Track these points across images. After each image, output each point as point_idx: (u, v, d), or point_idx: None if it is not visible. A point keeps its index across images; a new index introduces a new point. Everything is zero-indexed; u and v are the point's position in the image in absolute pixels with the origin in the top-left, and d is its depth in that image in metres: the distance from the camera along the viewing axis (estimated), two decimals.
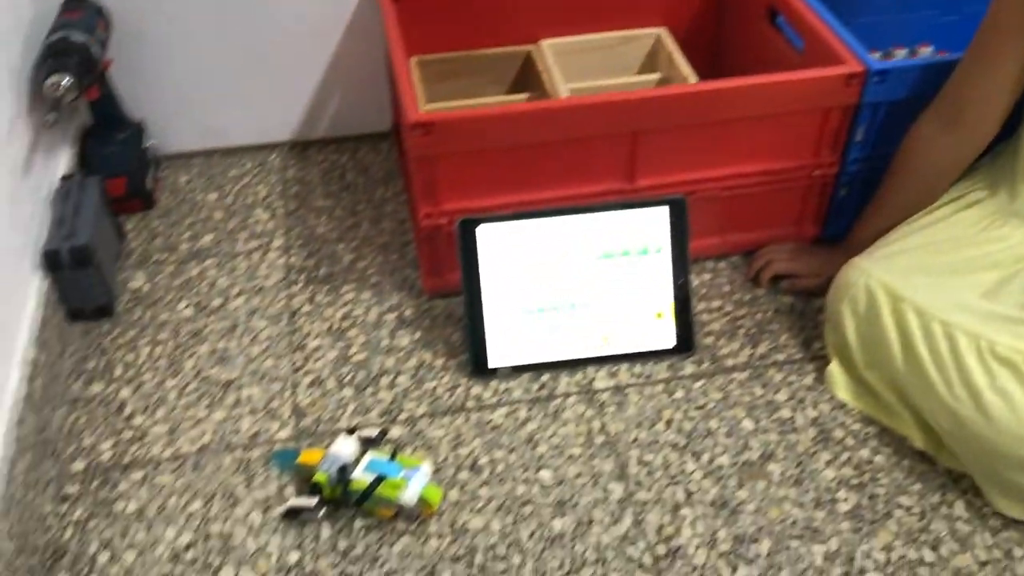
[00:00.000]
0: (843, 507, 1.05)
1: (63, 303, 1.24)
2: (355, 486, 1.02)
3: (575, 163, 1.20)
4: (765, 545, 1.02)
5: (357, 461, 1.04)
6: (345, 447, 1.05)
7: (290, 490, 1.07)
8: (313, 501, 1.02)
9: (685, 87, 1.34)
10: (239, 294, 1.32)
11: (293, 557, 1.00)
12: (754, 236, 1.35)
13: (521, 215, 1.17)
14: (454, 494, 1.06)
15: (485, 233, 1.16)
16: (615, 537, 1.02)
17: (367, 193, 1.49)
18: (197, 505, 1.05)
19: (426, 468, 1.04)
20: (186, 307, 1.30)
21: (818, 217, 1.35)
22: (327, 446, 1.06)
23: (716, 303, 1.30)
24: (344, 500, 1.03)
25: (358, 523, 1.03)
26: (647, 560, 1.00)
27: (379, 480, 1.01)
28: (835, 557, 1.00)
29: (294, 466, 1.07)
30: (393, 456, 1.05)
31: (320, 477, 1.02)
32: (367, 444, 1.08)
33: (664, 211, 1.19)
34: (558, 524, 1.03)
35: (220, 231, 1.42)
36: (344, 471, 1.03)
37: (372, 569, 0.99)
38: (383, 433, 1.10)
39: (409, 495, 1.00)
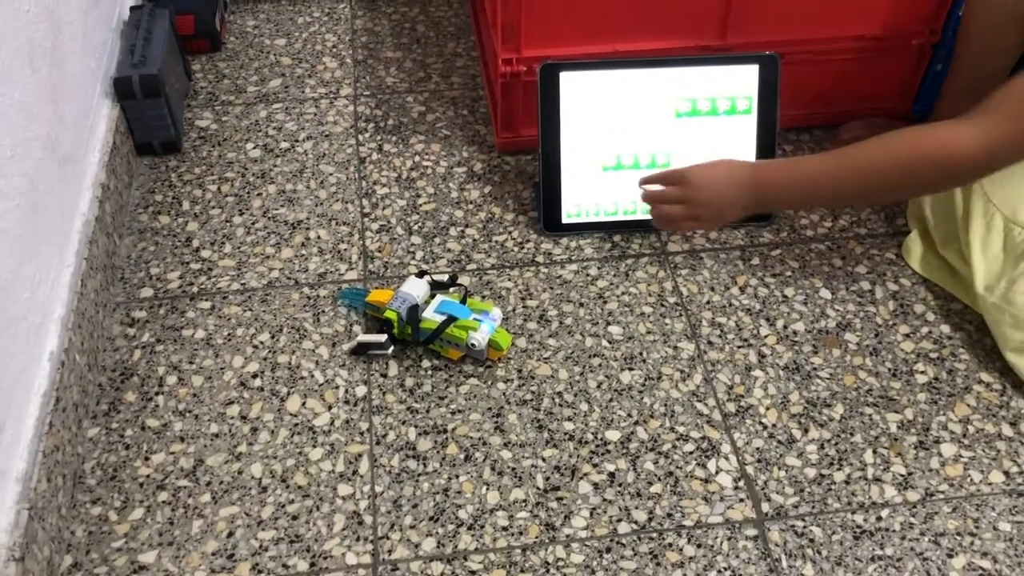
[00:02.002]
0: (920, 379, 1.02)
1: (132, 135, 1.23)
2: (425, 325, 1.01)
3: (665, 13, 1.14)
4: (838, 410, 0.99)
5: (427, 302, 1.03)
6: (416, 287, 1.04)
7: (358, 329, 1.06)
8: (383, 338, 1.01)
9: None
10: (307, 139, 1.29)
11: (360, 391, 1.00)
12: (842, 108, 1.29)
13: (606, 64, 1.13)
14: (522, 342, 1.05)
15: (568, 81, 1.12)
16: (684, 392, 1.01)
17: (438, 47, 1.45)
18: (265, 337, 1.05)
19: (496, 313, 1.03)
20: (253, 148, 1.28)
21: (911, 91, 1.28)
22: (397, 287, 1.05)
23: None
24: (413, 339, 1.02)
25: (425, 363, 1.02)
26: (716, 416, 0.98)
27: (449, 320, 1.00)
28: (910, 426, 0.98)
29: (363, 303, 1.06)
30: (464, 300, 1.04)
31: (390, 314, 1.01)
32: (437, 287, 1.07)
33: (754, 69, 1.14)
34: (626, 377, 1.02)
35: (288, 76, 1.39)
36: (415, 310, 1.01)
37: (439, 406, 0.99)
38: (453, 278, 1.09)
39: (479, 337, 0.99)
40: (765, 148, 1.15)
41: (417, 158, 1.26)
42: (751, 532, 0.90)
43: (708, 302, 1.10)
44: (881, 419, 0.99)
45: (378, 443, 0.96)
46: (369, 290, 1.08)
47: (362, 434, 0.97)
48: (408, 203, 1.20)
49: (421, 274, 1.07)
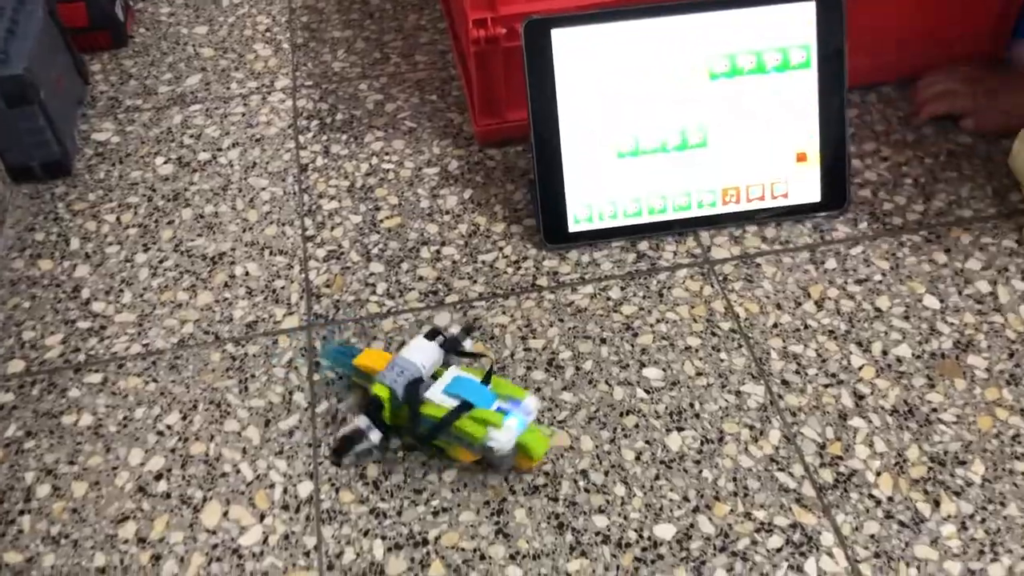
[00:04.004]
0: None
1: (3, 158, 0.95)
2: (429, 410, 0.71)
3: None
4: (977, 468, 0.71)
5: (436, 376, 0.74)
6: (422, 354, 0.74)
7: (301, 398, 0.77)
8: (366, 424, 0.71)
9: None
10: (232, 146, 1.00)
11: (304, 489, 0.72)
12: (918, 57, 1.00)
13: (611, 14, 0.84)
14: None
15: (562, 41, 0.83)
16: (758, 458, 0.72)
17: (396, 21, 1.16)
18: (173, 418, 0.77)
19: (530, 403, 0.71)
20: (164, 163, 0.99)
21: (1005, 28, 0.99)
22: (398, 349, 0.76)
23: (868, 146, 0.96)
24: (410, 430, 0.72)
25: (395, 439, 0.74)
26: (807, 490, 0.70)
27: (463, 408, 0.70)
28: None
29: (350, 367, 0.76)
30: (487, 379, 0.73)
31: (379, 390, 0.71)
32: (452, 352, 0.76)
33: (810, 8, 0.85)
34: (675, 441, 0.73)
35: (209, 71, 1.10)
36: (415, 388, 0.72)
37: (416, 504, 0.70)
38: (469, 330, 0.79)
39: (502, 438, 0.68)
40: (831, 112, 0.87)
41: (375, 160, 0.98)
42: None
43: (775, 325, 0.81)
44: None
45: (330, 567, 0.67)
46: (360, 348, 0.78)
47: (307, 555, 0.68)
48: (365, 219, 0.92)
49: (433, 334, 0.77)
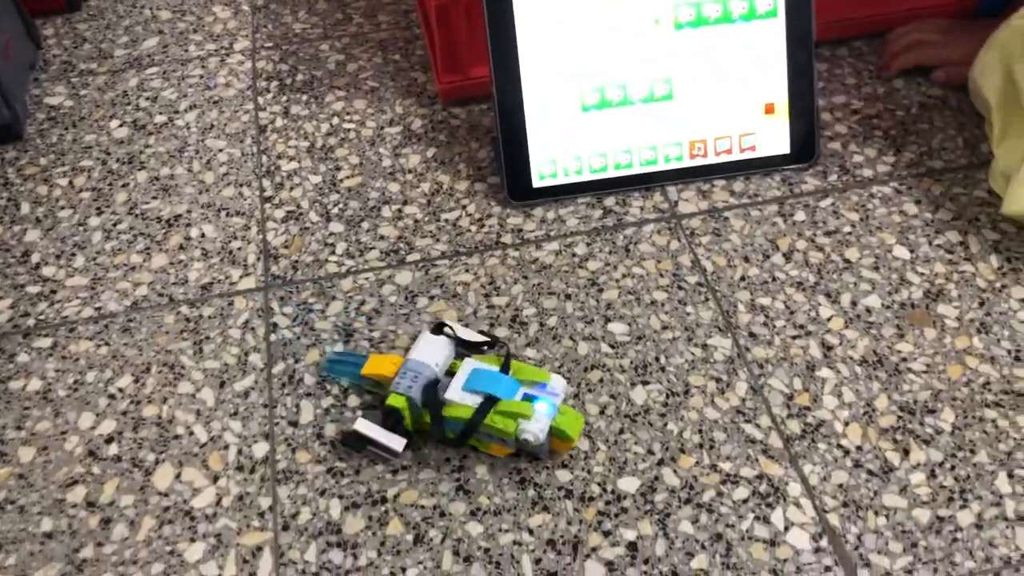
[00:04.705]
0: None
1: None
2: (452, 412, 0.67)
3: None
4: (947, 417, 0.69)
5: (451, 373, 0.70)
6: (432, 351, 0.69)
7: (258, 359, 0.75)
8: (394, 441, 0.67)
9: None
10: (190, 108, 0.98)
11: (259, 450, 0.70)
12: (886, 10, 0.98)
13: None
14: None
15: None
16: (725, 410, 0.70)
17: None
18: (125, 381, 0.74)
19: (557, 383, 0.68)
20: (119, 126, 0.96)
21: None
22: (406, 350, 0.71)
23: (839, 99, 0.95)
24: (436, 434, 0.67)
25: (352, 399, 0.72)
26: (774, 441, 0.68)
27: (488, 404, 0.66)
28: None
29: (357, 378, 0.72)
30: (505, 367, 0.69)
31: (396, 401, 0.67)
32: (463, 346, 0.72)
33: None
34: (640, 395, 0.71)
35: (167, 34, 1.07)
36: (433, 390, 0.68)
37: (374, 463, 0.68)
38: (492, 341, 0.73)
39: (534, 428, 0.64)
40: (799, 62, 0.85)
41: (336, 120, 0.95)
42: None
43: (743, 278, 0.79)
44: (1011, 425, 0.69)
45: (286, 528, 0.65)
46: (366, 356, 0.72)
47: (262, 515, 0.66)
48: (324, 179, 0.89)
49: (438, 328, 0.72)
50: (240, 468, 0.68)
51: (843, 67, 0.98)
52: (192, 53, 1.05)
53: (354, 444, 0.68)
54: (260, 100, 0.98)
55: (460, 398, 0.67)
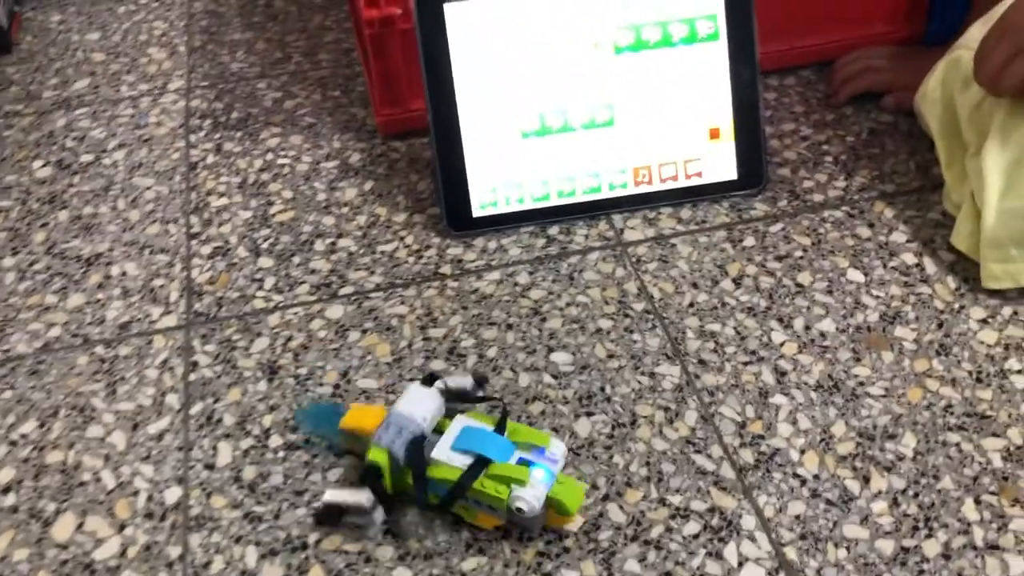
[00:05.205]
0: (1020, 381, 0.69)
1: None
2: (437, 473, 0.60)
3: None
4: (908, 442, 0.65)
5: (439, 431, 0.63)
6: (420, 404, 0.62)
7: (173, 399, 0.70)
8: (364, 497, 0.60)
9: None
10: (118, 147, 0.94)
11: (172, 495, 0.64)
12: (834, 38, 0.97)
13: None
14: None
15: (457, 17, 0.79)
16: (674, 441, 0.66)
17: (301, 22, 1.11)
18: (29, 426, 0.69)
19: (556, 448, 0.61)
20: (42, 166, 0.92)
21: (920, 9, 0.97)
22: (392, 402, 0.64)
23: (787, 126, 0.93)
24: (418, 498, 0.61)
25: (275, 439, 0.67)
26: (726, 472, 0.64)
27: (479, 466, 0.59)
28: (1021, 454, 0.64)
29: (334, 431, 0.65)
30: (501, 426, 0.62)
31: (376, 456, 0.60)
32: (454, 398, 0.66)
33: None
34: (584, 426, 0.67)
35: (99, 75, 1.04)
36: (418, 448, 0.61)
37: (297, 507, 0.63)
38: (482, 382, 0.68)
39: (529, 496, 0.58)
40: (743, 85, 0.83)
41: (270, 156, 0.92)
42: None
43: (692, 304, 0.75)
44: (975, 448, 0.65)
45: None
46: (344, 407, 0.65)
47: (170, 566, 0.60)
48: (255, 215, 0.86)
49: (430, 379, 0.66)
50: (149, 515, 0.63)
51: (791, 95, 0.96)
52: (124, 93, 1.01)
53: (332, 519, 0.61)
54: (192, 138, 0.94)
55: (447, 458, 0.60)
